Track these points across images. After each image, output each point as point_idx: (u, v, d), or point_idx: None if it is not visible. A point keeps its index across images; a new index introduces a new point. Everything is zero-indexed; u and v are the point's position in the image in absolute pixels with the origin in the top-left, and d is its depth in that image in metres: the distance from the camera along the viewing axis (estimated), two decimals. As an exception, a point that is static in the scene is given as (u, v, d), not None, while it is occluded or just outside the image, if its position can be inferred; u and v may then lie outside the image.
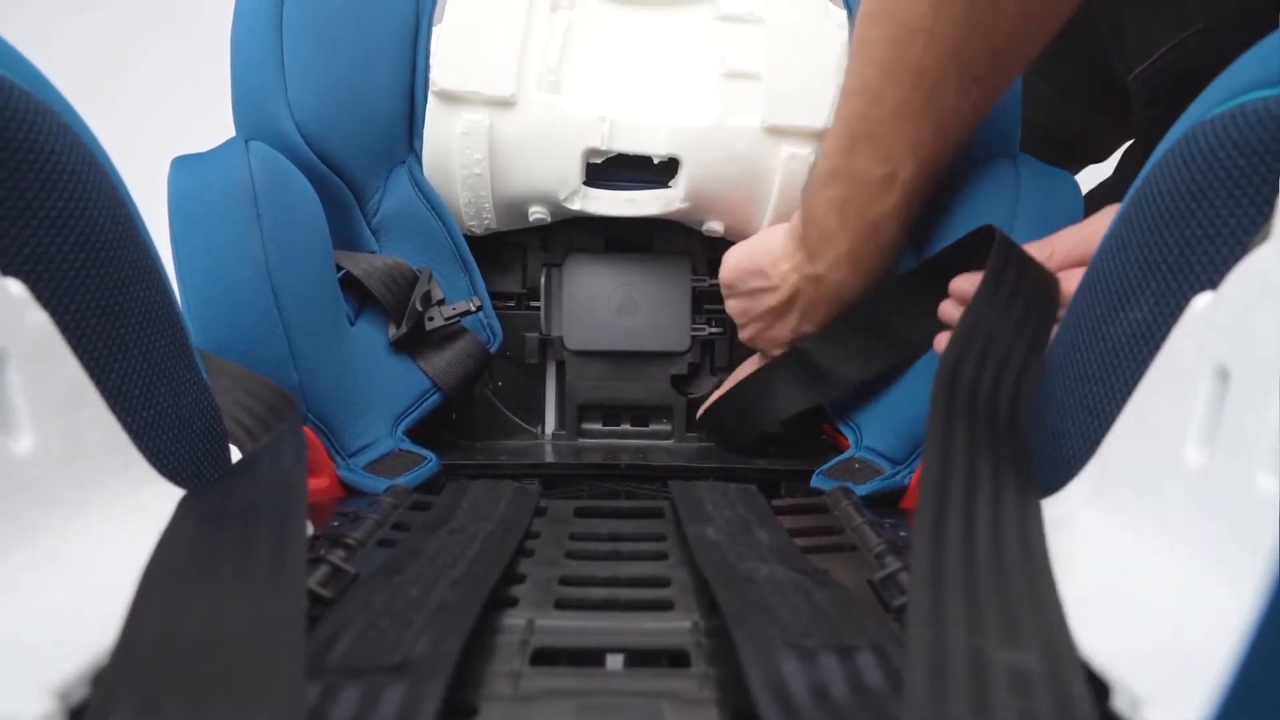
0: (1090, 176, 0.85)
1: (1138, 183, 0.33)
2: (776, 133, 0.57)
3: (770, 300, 0.56)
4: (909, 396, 0.55)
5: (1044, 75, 0.79)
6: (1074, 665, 0.22)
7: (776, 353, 0.59)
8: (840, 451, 0.57)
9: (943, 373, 0.34)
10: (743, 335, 0.60)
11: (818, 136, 0.57)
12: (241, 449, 0.42)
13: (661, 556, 0.36)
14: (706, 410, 0.64)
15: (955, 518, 0.27)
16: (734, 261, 0.58)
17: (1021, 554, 0.26)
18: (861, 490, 0.50)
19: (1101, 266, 0.34)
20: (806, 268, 0.53)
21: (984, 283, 0.38)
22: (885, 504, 0.52)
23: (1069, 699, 0.20)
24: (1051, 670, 0.21)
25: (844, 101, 0.50)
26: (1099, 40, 0.70)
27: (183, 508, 0.29)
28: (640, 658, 0.28)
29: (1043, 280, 0.41)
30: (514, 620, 0.29)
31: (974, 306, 0.37)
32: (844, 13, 0.58)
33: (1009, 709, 0.20)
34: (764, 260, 0.56)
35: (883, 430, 0.55)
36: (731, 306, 0.59)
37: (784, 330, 0.57)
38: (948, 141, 0.49)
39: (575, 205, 0.59)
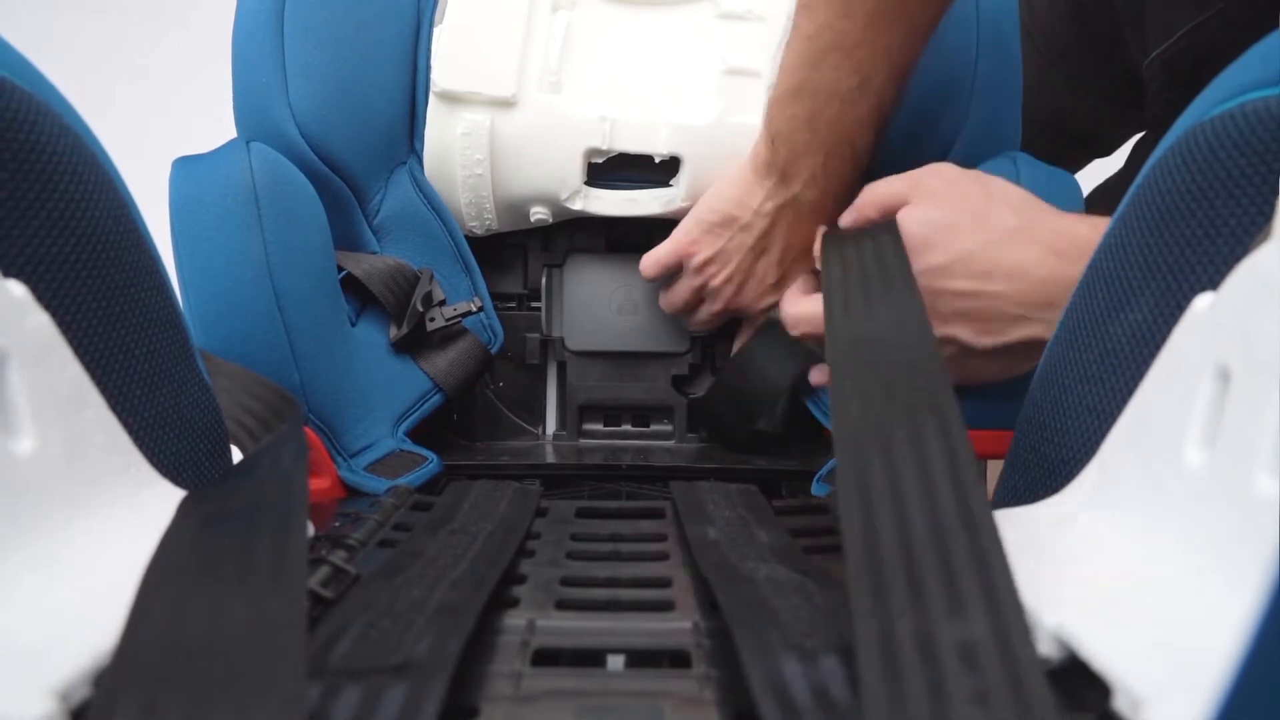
0: (1094, 174, 0.85)
1: (1138, 182, 0.33)
2: (777, 132, 0.57)
3: (747, 239, 0.55)
4: None
5: (1055, 65, 0.79)
6: (1021, 629, 0.22)
7: (762, 305, 0.57)
8: None
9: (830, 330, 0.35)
10: (721, 301, 0.57)
11: None
12: (243, 450, 0.42)
13: (662, 557, 0.36)
14: (701, 401, 0.64)
15: (881, 488, 0.27)
16: (694, 225, 0.56)
17: (960, 516, 0.25)
18: None
19: (1101, 266, 0.34)
20: (782, 192, 0.52)
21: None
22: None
23: (1018, 666, 0.21)
24: (999, 639, 0.21)
25: (804, 15, 0.48)
26: (1115, 24, 0.70)
27: (184, 508, 0.29)
28: (641, 658, 0.28)
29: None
30: (515, 620, 0.29)
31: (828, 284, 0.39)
32: None
33: (961, 687, 0.20)
34: (729, 207, 0.55)
35: None
36: (706, 274, 0.56)
37: (769, 267, 0.55)
38: (918, 44, 0.49)
39: (576, 205, 0.59)
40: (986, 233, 0.44)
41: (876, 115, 0.50)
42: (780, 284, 0.56)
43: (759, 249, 0.55)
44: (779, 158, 0.52)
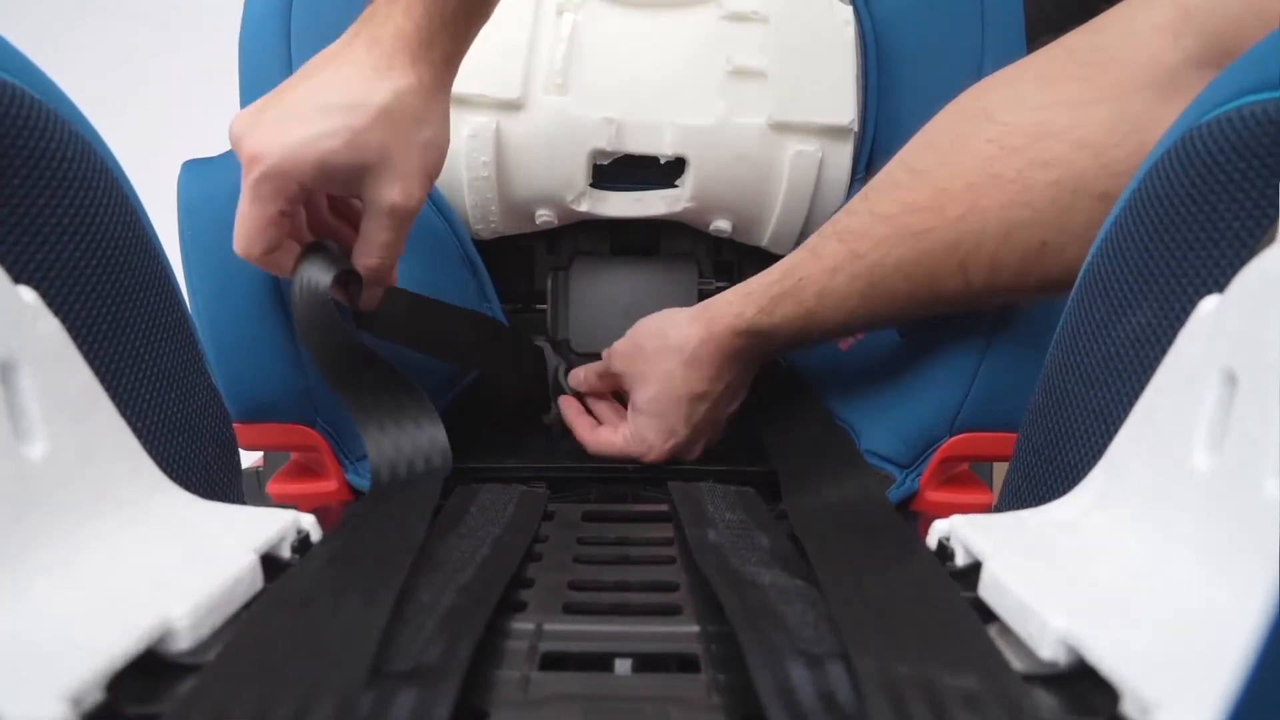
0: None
1: (1132, 186, 0.33)
2: (783, 129, 0.57)
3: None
4: (908, 396, 0.54)
5: None
6: (1017, 684, 0.22)
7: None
8: None
9: None
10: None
11: (824, 132, 0.57)
12: (365, 434, 0.44)
13: (669, 560, 0.36)
14: None
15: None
16: None
17: (918, 588, 0.27)
18: None
19: (1098, 270, 0.34)
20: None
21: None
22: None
23: (1021, 713, 0.21)
24: (997, 691, 0.22)
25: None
26: None
27: (318, 548, 0.31)
28: (648, 663, 0.28)
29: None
30: (523, 625, 0.29)
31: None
32: (849, 8, 0.58)
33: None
34: None
35: (883, 433, 0.55)
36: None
37: None
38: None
39: (582, 207, 0.59)
40: (662, 377, 0.54)
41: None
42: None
43: None
44: None
